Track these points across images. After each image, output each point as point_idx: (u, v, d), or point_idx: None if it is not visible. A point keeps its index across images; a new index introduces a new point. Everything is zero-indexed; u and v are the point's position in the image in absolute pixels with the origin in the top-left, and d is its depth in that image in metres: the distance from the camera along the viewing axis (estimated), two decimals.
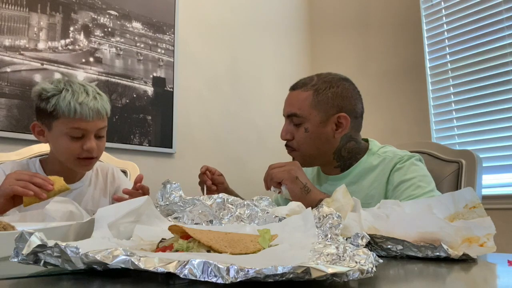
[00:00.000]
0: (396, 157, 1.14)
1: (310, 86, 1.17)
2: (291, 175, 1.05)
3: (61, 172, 1.19)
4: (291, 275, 0.34)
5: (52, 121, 1.13)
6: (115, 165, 1.52)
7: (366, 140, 1.27)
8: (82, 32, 1.85)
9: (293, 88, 1.21)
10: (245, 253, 0.48)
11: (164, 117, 2.06)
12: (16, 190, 0.95)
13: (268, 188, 1.10)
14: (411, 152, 1.20)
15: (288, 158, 1.23)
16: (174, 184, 0.77)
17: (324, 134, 1.16)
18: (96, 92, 1.18)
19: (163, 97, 2.07)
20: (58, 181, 1.01)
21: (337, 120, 1.15)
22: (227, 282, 0.34)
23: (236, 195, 1.18)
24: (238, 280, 0.34)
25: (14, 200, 0.98)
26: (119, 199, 1.06)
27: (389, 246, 0.59)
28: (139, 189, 1.10)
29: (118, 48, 1.96)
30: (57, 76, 1.75)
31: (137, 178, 1.12)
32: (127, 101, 1.95)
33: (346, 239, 0.52)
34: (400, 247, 0.59)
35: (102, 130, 1.19)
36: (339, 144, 1.18)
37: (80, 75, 1.81)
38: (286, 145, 1.22)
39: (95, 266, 0.39)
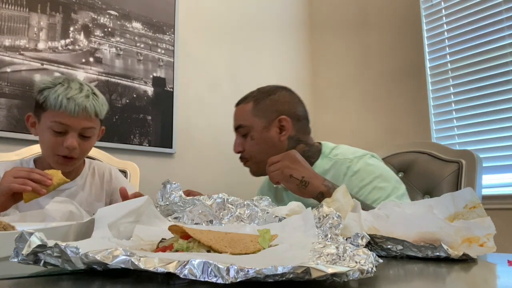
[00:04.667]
0: (347, 161, 1.15)
1: (250, 98, 1.26)
2: (285, 175, 1.03)
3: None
4: (291, 275, 0.34)
5: (41, 113, 1.14)
6: (115, 165, 1.52)
7: (319, 143, 1.28)
8: (82, 32, 1.85)
9: (237, 104, 1.30)
10: (245, 253, 0.48)
11: (164, 117, 2.06)
12: (14, 188, 0.94)
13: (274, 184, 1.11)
14: (412, 152, 1.21)
15: None
16: (174, 184, 0.77)
17: (269, 138, 1.21)
18: (91, 92, 1.17)
19: (163, 97, 2.07)
20: (56, 175, 1.00)
21: (279, 123, 1.21)
22: (227, 282, 0.34)
23: None
24: (238, 280, 0.34)
25: (14, 197, 0.97)
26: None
27: (389, 246, 0.59)
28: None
29: (118, 48, 1.96)
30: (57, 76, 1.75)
31: (122, 193, 1.04)
32: (127, 101, 1.95)
33: (346, 239, 0.52)
34: (400, 247, 0.59)
35: (89, 130, 1.15)
36: (287, 146, 1.21)
37: (80, 75, 1.81)
38: (240, 157, 1.27)
39: (95, 266, 0.39)
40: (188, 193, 1.30)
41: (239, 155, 1.28)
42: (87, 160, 1.34)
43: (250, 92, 1.30)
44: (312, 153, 1.22)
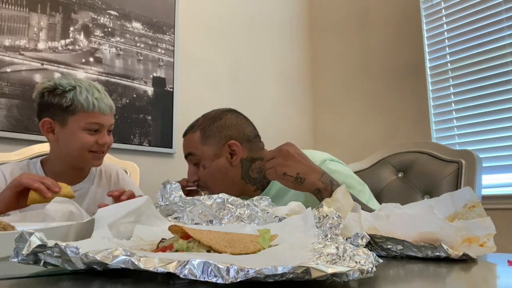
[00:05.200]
0: None
1: (196, 127, 1.24)
2: (278, 174, 1.00)
3: (62, 172, 1.19)
4: (291, 275, 0.34)
5: (67, 116, 1.15)
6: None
7: None
8: (82, 32, 1.85)
9: (184, 134, 1.27)
10: (245, 253, 0.48)
11: (164, 117, 2.06)
12: (23, 182, 0.98)
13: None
14: (412, 152, 1.20)
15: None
16: (174, 184, 0.77)
17: (222, 165, 1.18)
18: (104, 90, 1.24)
19: (163, 97, 2.07)
20: (65, 188, 1.03)
21: (229, 149, 1.19)
22: (227, 282, 0.34)
23: None
24: (238, 280, 0.34)
25: (19, 199, 1.00)
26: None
27: (389, 246, 0.59)
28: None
29: (118, 48, 1.96)
30: (57, 76, 1.75)
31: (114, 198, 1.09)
32: (127, 101, 1.95)
33: (346, 239, 0.52)
34: (400, 247, 0.59)
35: (113, 125, 1.26)
36: (243, 168, 1.19)
37: (80, 75, 1.81)
38: (197, 186, 1.23)
39: (95, 266, 0.39)
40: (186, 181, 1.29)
41: None
42: None
43: (195, 120, 1.28)
44: None
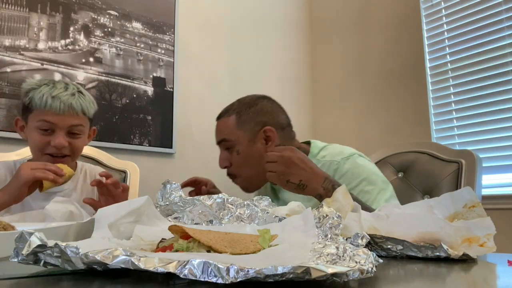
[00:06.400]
0: (334, 163, 1.13)
1: (232, 111, 1.23)
2: (281, 180, 1.01)
3: None
4: (291, 275, 0.34)
5: (28, 115, 1.13)
6: (115, 165, 1.52)
7: (308, 142, 1.26)
8: (82, 32, 1.85)
9: (218, 118, 1.26)
10: (245, 253, 0.48)
11: (164, 117, 2.06)
12: (38, 176, 0.98)
13: None
14: (412, 152, 1.20)
15: None
16: (174, 184, 0.77)
17: (256, 151, 1.18)
18: (77, 90, 1.15)
19: (163, 97, 2.07)
20: (65, 168, 1.04)
21: (265, 135, 1.19)
22: (227, 282, 0.34)
23: None
24: (238, 280, 0.34)
25: (30, 187, 1.01)
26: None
27: (389, 246, 0.59)
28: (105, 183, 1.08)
29: (118, 48, 1.96)
30: (57, 76, 1.75)
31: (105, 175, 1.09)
32: (127, 101, 1.95)
33: (346, 239, 0.52)
34: (400, 247, 0.59)
35: (76, 128, 1.14)
36: None
37: (80, 75, 1.81)
38: (227, 174, 1.23)
39: (95, 266, 0.39)
40: (194, 180, 1.29)
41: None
42: (79, 162, 1.33)
43: (230, 104, 1.26)
44: None
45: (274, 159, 1.02)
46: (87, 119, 1.19)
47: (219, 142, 1.23)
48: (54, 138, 1.10)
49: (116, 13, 1.97)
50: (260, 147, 1.18)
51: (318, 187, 0.99)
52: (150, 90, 2.03)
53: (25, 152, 1.41)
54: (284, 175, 1.00)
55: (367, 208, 0.94)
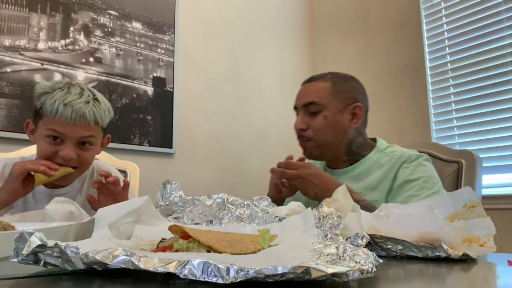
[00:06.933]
0: (404, 156, 1.16)
1: (326, 78, 1.22)
2: (300, 189, 1.10)
3: None
4: (291, 275, 0.34)
5: (38, 121, 1.08)
6: (115, 165, 1.51)
7: (373, 139, 1.30)
8: (82, 32, 1.85)
9: (309, 80, 1.25)
10: (245, 253, 0.48)
11: (164, 117, 2.06)
12: (28, 167, 0.99)
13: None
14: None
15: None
16: (174, 184, 0.77)
17: (341, 123, 1.19)
18: (93, 97, 1.08)
19: (163, 97, 2.07)
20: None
21: (353, 111, 1.20)
22: (227, 282, 0.34)
23: None
24: (238, 280, 0.34)
25: (25, 184, 1.01)
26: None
27: (389, 246, 0.59)
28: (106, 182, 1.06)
29: (118, 48, 1.96)
30: (57, 76, 1.75)
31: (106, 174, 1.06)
32: (127, 101, 1.95)
33: (346, 239, 0.52)
34: (400, 247, 0.59)
35: (88, 139, 1.07)
36: (351, 136, 1.21)
37: (80, 75, 1.81)
38: (299, 136, 1.22)
39: (95, 266, 0.39)
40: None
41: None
42: None
43: (322, 73, 1.25)
44: (366, 147, 1.24)
45: (295, 166, 1.09)
46: (100, 129, 1.12)
47: (305, 104, 1.20)
48: (62, 149, 1.04)
49: (116, 13, 1.97)
50: (345, 121, 1.19)
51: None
52: (150, 90, 2.03)
53: (25, 152, 1.41)
54: (302, 186, 1.09)
55: (368, 207, 0.94)
